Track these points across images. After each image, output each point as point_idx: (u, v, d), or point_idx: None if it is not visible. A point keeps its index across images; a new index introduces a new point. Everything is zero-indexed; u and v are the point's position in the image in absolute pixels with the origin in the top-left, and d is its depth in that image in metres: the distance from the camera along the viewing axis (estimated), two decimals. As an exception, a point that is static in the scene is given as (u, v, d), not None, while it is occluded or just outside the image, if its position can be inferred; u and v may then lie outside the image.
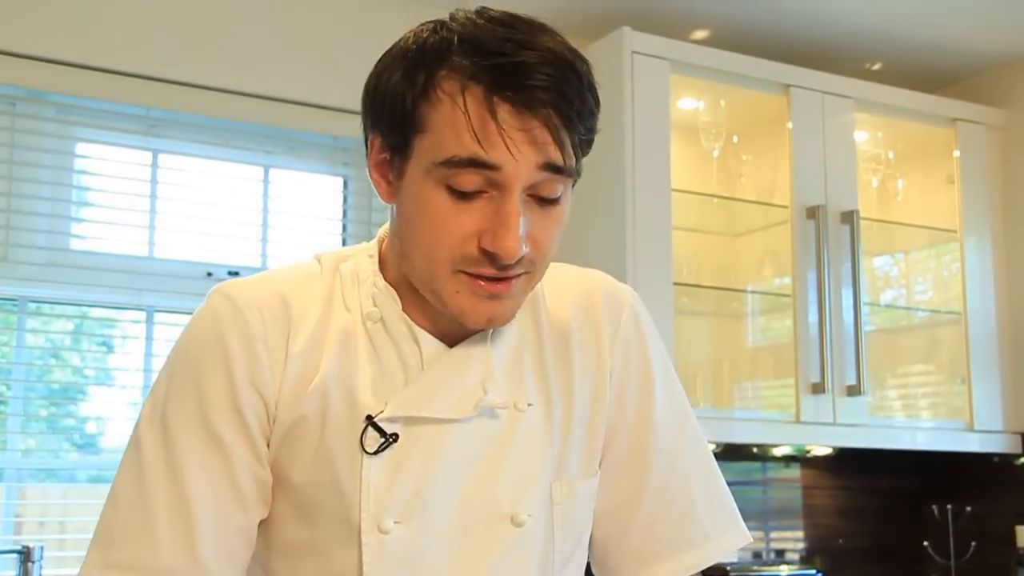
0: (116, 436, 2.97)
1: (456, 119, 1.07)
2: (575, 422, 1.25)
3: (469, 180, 1.08)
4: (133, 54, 2.92)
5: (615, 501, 1.29)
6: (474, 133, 1.06)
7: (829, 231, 3.27)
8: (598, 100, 1.13)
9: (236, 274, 3.02)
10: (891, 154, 3.64)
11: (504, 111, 1.06)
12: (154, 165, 3.02)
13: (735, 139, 3.39)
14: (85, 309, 2.96)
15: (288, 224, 3.15)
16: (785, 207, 3.28)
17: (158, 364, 2.93)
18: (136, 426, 1.19)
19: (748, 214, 3.47)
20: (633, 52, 3.05)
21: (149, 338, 2.95)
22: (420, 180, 1.11)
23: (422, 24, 1.14)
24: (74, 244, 2.92)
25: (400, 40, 1.16)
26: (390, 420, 1.15)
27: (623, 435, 1.29)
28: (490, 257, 1.09)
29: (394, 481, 1.15)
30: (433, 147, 1.09)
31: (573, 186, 1.16)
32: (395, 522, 1.14)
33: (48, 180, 2.90)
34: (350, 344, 1.18)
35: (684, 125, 3.34)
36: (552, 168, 1.09)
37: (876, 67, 3.74)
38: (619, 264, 2.96)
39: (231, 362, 1.15)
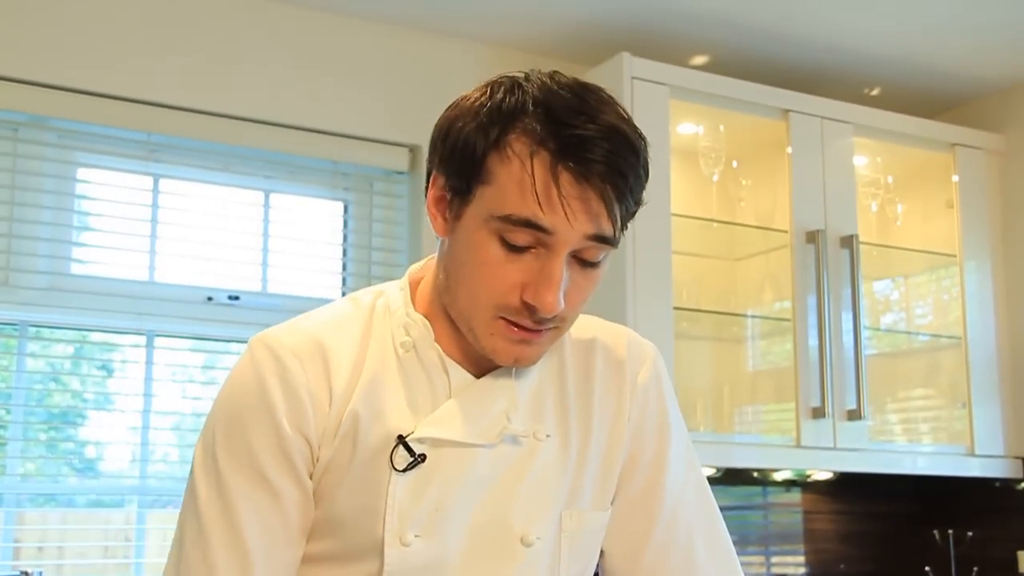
0: (115, 461, 2.96)
1: (523, 179, 1.14)
2: (590, 457, 1.33)
3: (522, 237, 1.16)
4: (134, 80, 2.93)
5: (627, 534, 1.36)
6: (536, 195, 1.13)
7: (829, 255, 3.28)
8: (648, 173, 1.21)
9: (236, 299, 3.02)
10: (890, 179, 3.65)
11: (566, 180, 1.13)
12: (155, 190, 3.03)
13: (735, 164, 3.40)
14: (85, 333, 2.96)
15: (288, 248, 3.16)
16: (785, 231, 3.29)
17: (158, 388, 2.94)
18: (191, 474, 1.26)
19: (748, 238, 3.48)
20: (633, 77, 3.07)
21: (149, 362, 2.95)
22: (477, 227, 1.18)
23: (500, 77, 1.21)
24: (75, 268, 2.92)
25: (476, 91, 1.21)
26: (419, 441, 1.23)
27: (639, 476, 1.37)
28: (529, 309, 1.17)
29: (418, 498, 1.22)
30: (495, 200, 1.16)
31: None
32: (416, 536, 1.22)
33: (49, 205, 2.90)
34: (382, 371, 1.26)
35: (684, 150, 3.35)
36: (600, 239, 1.17)
37: (875, 92, 3.76)
38: (619, 289, 2.97)
39: (275, 410, 1.22)
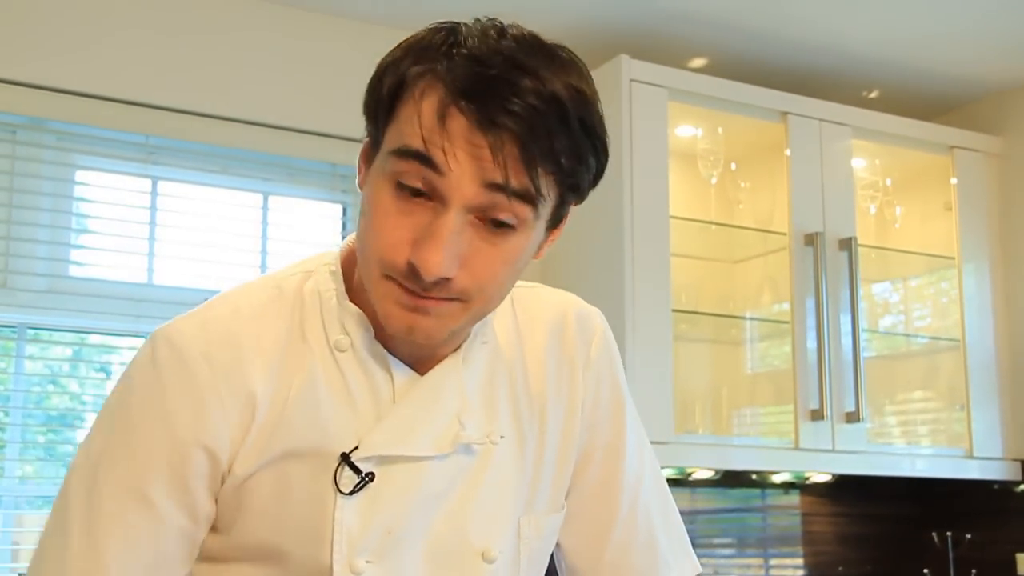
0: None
1: (415, 112, 1.00)
2: (547, 454, 1.22)
3: (413, 177, 1.00)
4: (132, 82, 2.93)
5: (587, 529, 1.28)
6: (422, 136, 0.99)
7: (827, 258, 3.28)
8: (596, 142, 1.04)
9: (235, 301, 3.02)
10: (889, 181, 3.65)
11: (456, 123, 0.99)
12: (153, 192, 3.03)
13: (733, 166, 3.40)
14: (83, 335, 2.96)
15: (287, 251, 3.16)
16: (783, 234, 3.29)
17: (156, 391, 2.93)
18: (68, 473, 1.12)
19: (746, 241, 3.48)
20: (631, 80, 3.07)
21: (147, 365, 2.94)
22: (378, 172, 1.04)
23: (441, 22, 1.07)
24: (73, 271, 2.92)
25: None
26: (365, 459, 1.09)
27: (595, 463, 1.27)
28: (413, 271, 1.01)
29: (368, 521, 1.09)
30: (393, 137, 1.03)
31: (554, 229, 1.10)
32: (367, 562, 1.09)
33: (48, 207, 2.90)
34: (315, 374, 1.11)
35: (682, 152, 3.35)
36: (503, 190, 0.99)
37: (873, 95, 3.76)
38: (618, 291, 2.97)
39: (172, 420, 1.07)
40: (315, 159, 3.18)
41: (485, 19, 1.06)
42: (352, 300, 1.14)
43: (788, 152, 3.31)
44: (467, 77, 0.99)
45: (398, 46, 1.07)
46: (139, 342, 2.94)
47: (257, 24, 3.10)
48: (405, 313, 1.04)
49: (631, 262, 2.98)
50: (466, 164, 0.98)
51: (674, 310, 3.08)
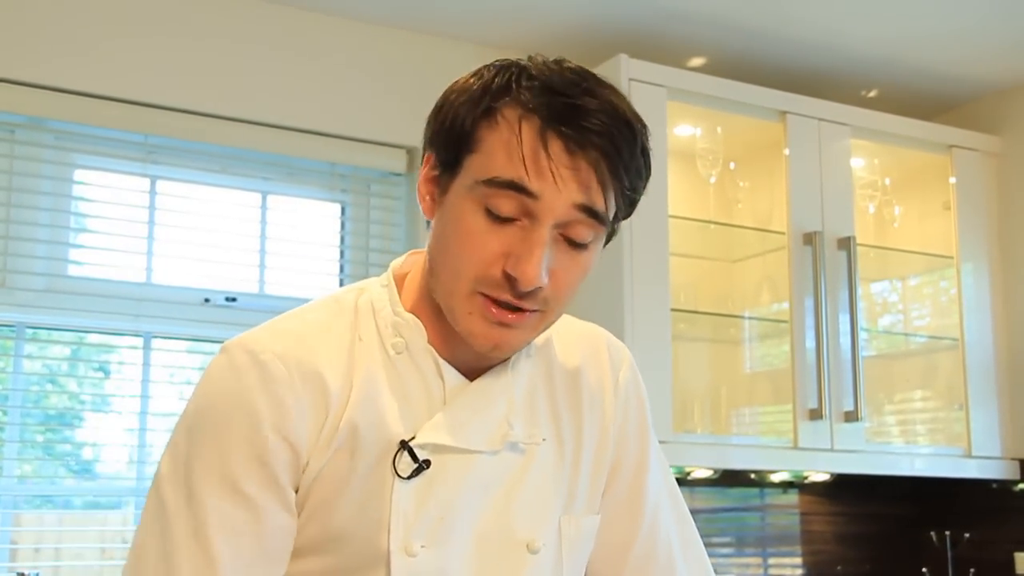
0: (112, 462, 2.96)
1: (510, 142, 1.11)
2: (583, 461, 1.31)
3: (507, 204, 1.11)
4: (131, 81, 2.93)
5: (612, 539, 1.36)
6: (523, 158, 1.10)
7: (826, 257, 3.28)
8: (648, 165, 1.18)
9: (234, 300, 3.02)
10: (887, 180, 3.65)
11: (556, 145, 1.10)
12: (152, 191, 3.03)
13: (732, 166, 3.40)
14: (82, 335, 2.96)
15: (285, 250, 3.16)
16: (782, 233, 3.29)
17: (155, 390, 2.93)
18: (157, 483, 1.17)
19: (745, 240, 3.48)
20: (630, 79, 3.07)
21: (146, 364, 2.95)
22: (462, 197, 1.14)
23: (497, 60, 1.18)
24: (72, 270, 2.92)
25: (473, 71, 1.19)
26: (422, 447, 1.18)
27: (623, 479, 1.36)
28: (510, 282, 1.12)
29: (422, 507, 1.18)
30: (481, 166, 1.12)
31: (606, 244, 1.22)
32: (422, 546, 1.17)
33: (46, 207, 2.90)
34: (375, 375, 1.20)
35: (681, 152, 3.35)
36: (587, 210, 1.12)
37: (872, 94, 3.76)
38: (617, 291, 2.97)
39: (258, 417, 1.14)
40: (314, 158, 3.18)
41: (537, 55, 1.18)
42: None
43: (787, 151, 3.31)
44: (554, 106, 1.11)
45: (461, 84, 1.18)
46: (138, 341, 2.95)
47: (256, 23, 3.10)
48: (491, 328, 1.15)
49: (630, 261, 2.98)
50: (566, 179, 1.10)
51: (673, 309, 3.08)
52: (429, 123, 1.20)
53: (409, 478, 1.17)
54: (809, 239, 3.27)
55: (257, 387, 1.15)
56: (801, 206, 3.29)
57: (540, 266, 1.11)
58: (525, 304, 1.14)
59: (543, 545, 1.24)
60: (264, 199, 3.17)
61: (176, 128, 2.99)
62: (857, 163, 3.57)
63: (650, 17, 3.20)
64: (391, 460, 1.17)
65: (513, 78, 1.14)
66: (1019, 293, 3.58)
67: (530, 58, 1.17)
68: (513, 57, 1.19)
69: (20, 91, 2.83)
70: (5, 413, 2.81)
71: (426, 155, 1.20)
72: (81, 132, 2.94)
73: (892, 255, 3.67)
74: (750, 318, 3.52)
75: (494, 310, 1.14)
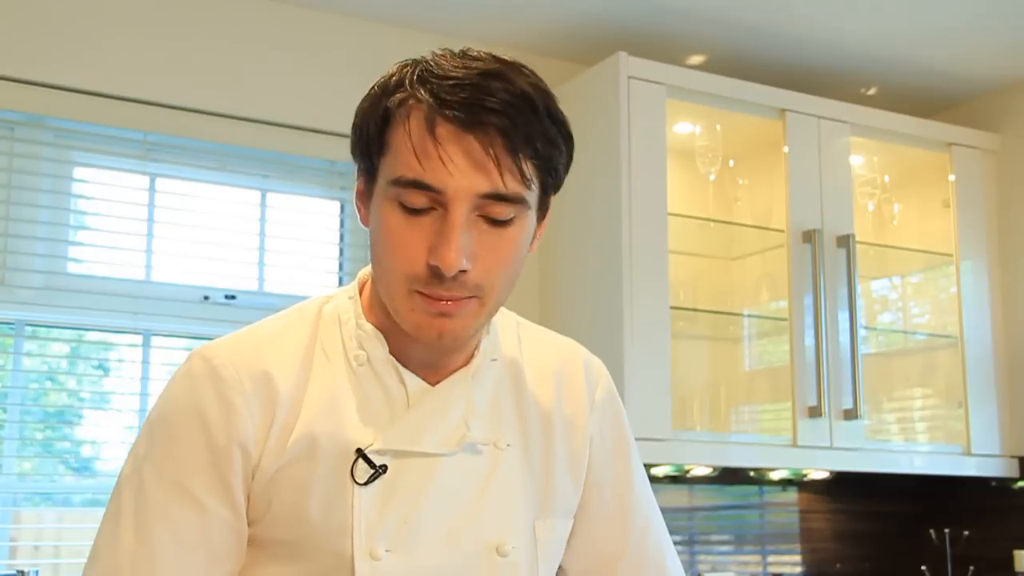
0: (112, 460, 2.96)
1: (405, 137, 1.12)
2: (556, 466, 1.32)
3: (417, 197, 1.12)
4: (131, 79, 2.93)
5: (600, 555, 1.37)
6: (413, 149, 1.11)
7: (825, 255, 3.28)
8: (564, 131, 1.16)
9: (233, 298, 3.02)
10: (887, 178, 3.65)
11: (443, 130, 1.10)
12: (151, 189, 3.02)
13: (731, 163, 3.40)
14: (81, 332, 2.96)
15: (285, 248, 3.16)
16: (781, 231, 3.29)
17: (155, 388, 2.93)
18: (117, 484, 1.23)
19: (744, 238, 3.48)
20: (629, 77, 3.07)
21: (145, 362, 2.95)
22: (380, 199, 1.16)
23: (404, 60, 1.19)
24: (71, 268, 2.92)
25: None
26: (379, 453, 1.20)
27: (607, 493, 1.37)
28: (435, 273, 1.12)
29: (384, 511, 1.19)
30: (389, 166, 1.14)
31: (542, 217, 1.22)
32: (386, 550, 1.18)
33: (46, 204, 2.90)
34: (336, 385, 1.23)
35: (680, 149, 3.35)
36: (496, 196, 1.12)
37: (872, 92, 3.76)
38: (615, 288, 2.97)
39: (207, 419, 1.18)
40: (313, 156, 3.18)
41: (441, 49, 1.18)
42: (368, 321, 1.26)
43: (786, 149, 3.31)
44: (445, 91, 1.11)
45: (372, 88, 1.19)
46: (137, 339, 2.95)
47: (255, 21, 3.10)
48: (432, 320, 1.15)
49: (629, 259, 2.98)
50: (460, 165, 1.10)
51: (672, 307, 3.08)
52: (351, 141, 1.22)
53: (366, 484, 1.19)
54: (808, 237, 3.27)
55: (209, 392, 1.19)
56: (800, 204, 3.29)
57: (458, 251, 1.11)
58: (455, 293, 1.14)
59: (513, 548, 1.24)
60: (263, 196, 3.17)
61: (175, 126, 2.99)
62: (856, 161, 3.57)
63: (649, 15, 3.20)
64: (349, 468, 1.19)
65: (408, 73, 1.15)
66: (1018, 291, 3.58)
67: (434, 52, 1.17)
68: (512, 56, 1.18)
69: (19, 89, 2.83)
70: (4, 411, 2.81)
71: (357, 170, 1.22)
72: (80, 130, 2.93)
73: (891, 253, 3.67)
74: (749, 316, 3.52)
75: (430, 304, 1.15)
